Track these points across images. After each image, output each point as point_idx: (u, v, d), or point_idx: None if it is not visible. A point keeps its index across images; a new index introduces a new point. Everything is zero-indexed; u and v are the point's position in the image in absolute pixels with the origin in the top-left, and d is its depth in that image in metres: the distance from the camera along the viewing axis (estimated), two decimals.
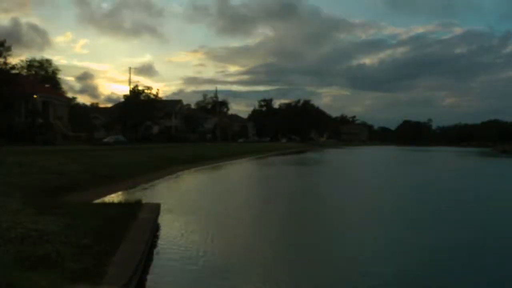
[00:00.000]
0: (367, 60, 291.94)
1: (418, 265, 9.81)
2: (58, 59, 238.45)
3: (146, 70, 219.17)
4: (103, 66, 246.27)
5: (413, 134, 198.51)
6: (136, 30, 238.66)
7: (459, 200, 20.88)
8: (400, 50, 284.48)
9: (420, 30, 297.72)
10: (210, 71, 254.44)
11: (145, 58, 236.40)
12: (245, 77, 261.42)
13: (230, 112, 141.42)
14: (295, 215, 16.69)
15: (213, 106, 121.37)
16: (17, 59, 69.57)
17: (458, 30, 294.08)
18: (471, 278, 9.04)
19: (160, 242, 11.23)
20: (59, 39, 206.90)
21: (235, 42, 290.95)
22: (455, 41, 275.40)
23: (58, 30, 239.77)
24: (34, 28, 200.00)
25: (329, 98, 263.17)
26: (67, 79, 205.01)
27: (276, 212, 17.24)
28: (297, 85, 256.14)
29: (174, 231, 12.84)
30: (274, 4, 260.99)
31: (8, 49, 45.52)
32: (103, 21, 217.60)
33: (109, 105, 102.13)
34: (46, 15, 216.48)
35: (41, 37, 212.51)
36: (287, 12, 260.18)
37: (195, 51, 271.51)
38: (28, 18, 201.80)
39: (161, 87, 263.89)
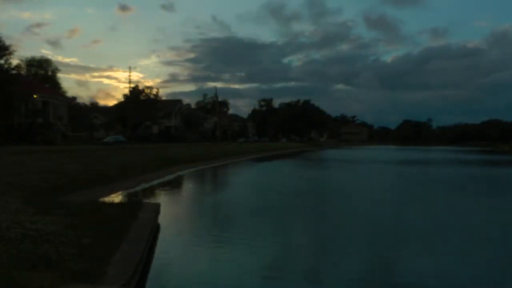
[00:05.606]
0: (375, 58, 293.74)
1: None
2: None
3: None
4: None
5: (413, 134, 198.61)
6: None
7: None
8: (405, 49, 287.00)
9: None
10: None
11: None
12: (243, 74, 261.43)
13: (230, 110, 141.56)
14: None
15: (213, 106, 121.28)
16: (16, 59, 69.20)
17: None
18: None
19: (160, 241, 11.22)
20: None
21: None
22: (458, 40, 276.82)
23: None
24: None
25: (330, 97, 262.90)
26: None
27: (269, 210, 17.25)
28: (297, 84, 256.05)
29: (174, 231, 12.86)
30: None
31: (8, 49, 45.35)
32: None
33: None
34: None
35: None
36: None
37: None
38: None
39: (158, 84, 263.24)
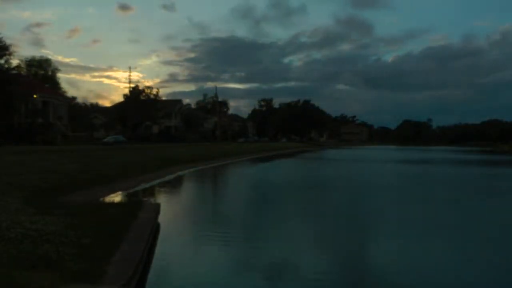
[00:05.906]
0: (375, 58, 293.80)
1: None
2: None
3: None
4: None
5: (413, 134, 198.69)
6: None
7: None
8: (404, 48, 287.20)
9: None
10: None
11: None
12: (243, 74, 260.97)
13: (230, 110, 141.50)
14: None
15: (213, 106, 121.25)
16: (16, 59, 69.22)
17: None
18: None
19: (160, 241, 11.21)
20: None
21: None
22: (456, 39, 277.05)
23: None
24: None
25: (330, 97, 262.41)
26: None
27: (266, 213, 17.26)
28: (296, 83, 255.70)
29: (174, 231, 12.86)
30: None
31: (9, 49, 45.31)
32: None
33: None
34: None
35: None
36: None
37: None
38: None
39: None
